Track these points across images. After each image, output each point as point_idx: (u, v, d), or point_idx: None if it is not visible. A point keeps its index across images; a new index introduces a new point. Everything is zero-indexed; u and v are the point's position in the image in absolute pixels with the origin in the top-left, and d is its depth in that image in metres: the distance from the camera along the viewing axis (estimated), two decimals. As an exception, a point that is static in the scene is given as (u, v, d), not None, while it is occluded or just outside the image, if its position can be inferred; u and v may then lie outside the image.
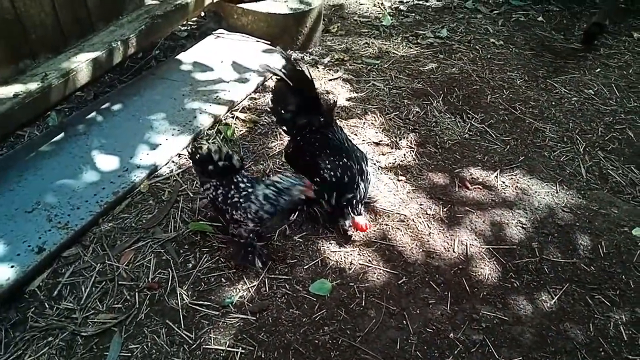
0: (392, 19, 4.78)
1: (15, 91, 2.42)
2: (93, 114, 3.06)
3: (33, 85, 2.46)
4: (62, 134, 2.89)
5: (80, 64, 2.64)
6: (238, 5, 3.95)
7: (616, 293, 2.32)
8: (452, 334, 2.13)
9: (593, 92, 3.83)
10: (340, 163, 2.40)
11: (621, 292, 2.32)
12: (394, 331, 2.13)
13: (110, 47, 2.79)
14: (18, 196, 2.50)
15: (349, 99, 3.55)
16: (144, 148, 2.88)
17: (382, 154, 3.06)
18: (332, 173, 2.38)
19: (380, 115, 3.39)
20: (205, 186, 2.27)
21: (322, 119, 2.49)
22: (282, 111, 2.51)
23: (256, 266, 2.31)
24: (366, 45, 4.30)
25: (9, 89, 2.42)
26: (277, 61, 3.64)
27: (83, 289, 2.23)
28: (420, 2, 5.18)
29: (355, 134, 3.21)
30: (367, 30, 4.60)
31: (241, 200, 2.15)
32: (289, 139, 2.65)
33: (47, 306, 2.16)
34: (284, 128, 2.59)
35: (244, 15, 3.99)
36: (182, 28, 4.30)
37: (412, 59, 4.12)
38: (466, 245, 2.51)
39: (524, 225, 2.63)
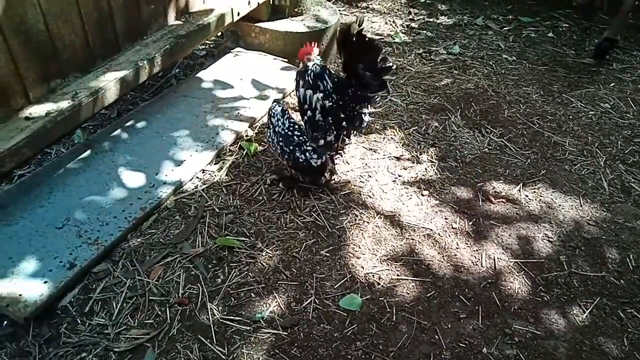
0: (404, 37, 4.84)
1: (48, 109, 2.46)
2: (118, 131, 3.10)
3: (64, 104, 2.50)
4: (88, 151, 2.93)
5: (109, 82, 2.69)
6: (256, 24, 4.02)
7: (647, 306, 2.31)
8: (485, 349, 2.12)
9: (609, 106, 3.86)
10: None
11: (652, 305, 2.32)
12: (427, 346, 2.12)
13: (137, 66, 2.84)
14: (48, 212, 2.52)
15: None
16: (168, 164, 2.91)
17: (404, 169, 3.07)
18: None
19: (399, 131, 3.42)
20: None
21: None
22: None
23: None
24: (381, 62, 4.35)
25: (42, 108, 2.47)
26: (292, 78, 3.69)
27: (114, 304, 2.24)
28: (431, 20, 5.26)
29: (376, 150, 3.23)
30: (381, 48, 4.65)
31: None
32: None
33: (79, 322, 2.17)
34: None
35: (262, 34, 4.06)
36: (201, 47, 4.37)
37: (427, 74, 4.17)
38: (494, 259, 2.51)
39: (550, 239, 2.63)
